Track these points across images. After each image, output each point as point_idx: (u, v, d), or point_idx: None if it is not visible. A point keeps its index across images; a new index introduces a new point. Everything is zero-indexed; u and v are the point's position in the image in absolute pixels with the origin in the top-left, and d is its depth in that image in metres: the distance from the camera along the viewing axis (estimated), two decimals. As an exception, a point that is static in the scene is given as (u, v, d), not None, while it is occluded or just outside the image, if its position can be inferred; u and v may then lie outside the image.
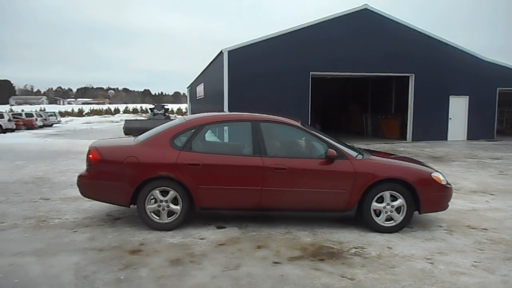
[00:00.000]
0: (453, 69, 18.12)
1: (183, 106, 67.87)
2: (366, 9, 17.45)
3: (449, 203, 5.43)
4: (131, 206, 5.16)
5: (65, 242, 4.65)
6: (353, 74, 18.90)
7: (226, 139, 5.71)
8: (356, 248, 4.57)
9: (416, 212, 5.21)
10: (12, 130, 28.54)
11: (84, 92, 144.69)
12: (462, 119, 18.71)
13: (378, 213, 5.13)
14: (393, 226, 5.12)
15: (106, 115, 57.72)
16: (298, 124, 5.49)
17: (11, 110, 45.41)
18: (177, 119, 6.06)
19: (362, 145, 16.03)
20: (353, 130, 23.12)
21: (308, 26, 17.11)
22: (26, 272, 3.83)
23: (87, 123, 42.20)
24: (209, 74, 23.08)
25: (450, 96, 18.45)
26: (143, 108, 66.27)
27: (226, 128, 5.67)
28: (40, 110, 48.46)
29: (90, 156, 5.19)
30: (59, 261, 4.08)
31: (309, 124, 17.19)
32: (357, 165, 5.09)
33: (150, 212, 5.05)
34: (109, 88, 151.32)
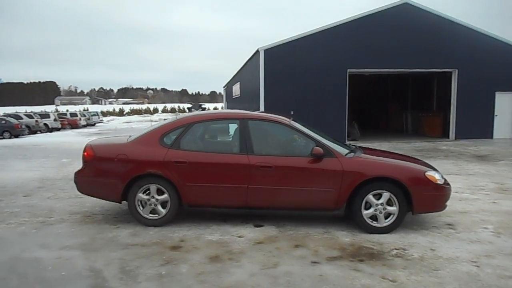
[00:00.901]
0: (499, 63, 17.24)
1: (219, 105, 68.66)
2: (406, 3, 16.94)
3: (447, 203, 5.19)
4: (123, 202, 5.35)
5: (109, 237, 4.82)
6: (393, 71, 18.35)
7: (216, 138, 5.81)
8: (397, 249, 4.45)
9: (462, 215, 5.00)
10: (57, 129, 29.95)
11: (125, 93, 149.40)
12: (509, 116, 17.80)
13: (368, 213, 4.97)
14: (384, 226, 4.95)
15: (146, 115, 59.40)
16: (287, 121, 5.39)
17: (57, 110, 47.60)
18: (170, 118, 6.15)
19: (402, 144, 15.67)
20: (393, 128, 22.51)
21: (346, 23, 16.83)
22: (72, 265, 4.00)
23: (127, 122, 43.60)
24: (245, 73, 23.22)
25: (496, 92, 17.59)
26: (181, 108, 67.60)
27: (216, 127, 5.80)
28: (84, 110, 50.50)
29: (85, 153, 5.38)
30: (103, 256, 4.23)
31: (347, 122, 16.93)
32: (345, 164, 4.96)
33: (140, 207, 5.18)
34: (148, 88, 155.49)
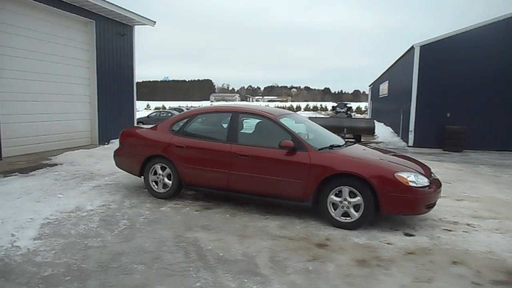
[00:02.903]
0: None
1: (363, 105, 66.70)
2: None
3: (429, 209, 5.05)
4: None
5: (259, 226, 5.12)
6: None
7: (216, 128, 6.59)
8: None
9: None
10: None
11: (270, 90, 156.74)
12: None
13: (335, 207, 5.11)
14: (349, 222, 5.03)
15: (289, 112, 61.13)
16: (273, 117, 5.79)
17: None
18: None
19: None
20: None
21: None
22: (228, 248, 4.36)
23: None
24: (396, 71, 22.01)
25: None
26: (323, 106, 67.85)
27: (214, 118, 6.56)
28: (234, 106, 54.62)
29: (120, 137, 6.88)
30: (255, 243, 4.51)
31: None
32: (314, 158, 5.21)
33: (152, 182, 6.34)
34: (292, 87, 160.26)
